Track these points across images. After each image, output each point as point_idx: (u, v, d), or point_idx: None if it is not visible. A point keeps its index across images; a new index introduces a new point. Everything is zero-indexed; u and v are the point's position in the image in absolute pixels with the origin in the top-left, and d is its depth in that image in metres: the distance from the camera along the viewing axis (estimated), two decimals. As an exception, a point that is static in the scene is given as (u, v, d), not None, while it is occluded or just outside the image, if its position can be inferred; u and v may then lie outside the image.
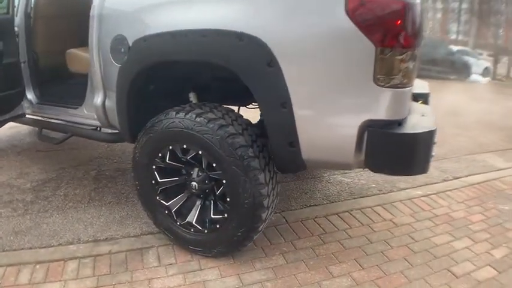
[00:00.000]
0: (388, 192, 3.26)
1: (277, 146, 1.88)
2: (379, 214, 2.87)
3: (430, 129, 1.77)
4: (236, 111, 2.17)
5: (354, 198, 3.11)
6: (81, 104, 2.67)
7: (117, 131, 2.64)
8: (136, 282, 2.04)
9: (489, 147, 4.75)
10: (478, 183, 3.53)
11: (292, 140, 1.81)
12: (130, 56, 2.10)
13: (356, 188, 3.31)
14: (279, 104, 1.76)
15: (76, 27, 3.22)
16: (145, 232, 2.52)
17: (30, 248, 2.33)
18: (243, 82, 2.15)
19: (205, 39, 1.82)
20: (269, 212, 2.04)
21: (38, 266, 2.16)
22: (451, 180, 3.59)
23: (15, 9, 2.88)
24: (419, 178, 3.54)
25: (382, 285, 2.10)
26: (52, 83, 3.21)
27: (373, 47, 1.60)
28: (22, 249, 2.33)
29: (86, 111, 2.66)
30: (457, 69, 13.16)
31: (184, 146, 2.02)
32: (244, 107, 2.83)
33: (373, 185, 3.39)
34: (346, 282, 2.10)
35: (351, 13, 1.60)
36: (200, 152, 1.98)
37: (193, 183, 2.12)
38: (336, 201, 3.04)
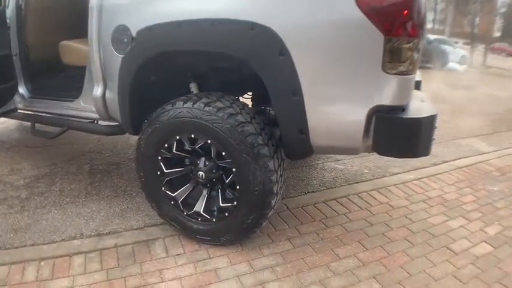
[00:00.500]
0: (381, 177, 3.36)
1: (287, 133, 1.91)
2: (375, 198, 2.96)
3: (433, 114, 1.85)
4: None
5: (350, 184, 3.19)
6: (77, 97, 2.62)
7: (116, 123, 2.62)
8: (147, 274, 2.04)
9: (473, 132, 4.94)
10: (466, 166, 3.68)
11: (302, 127, 1.85)
12: (134, 47, 2.08)
13: (350, 174, 3.39)
14: (290, 92, 1.79)
15: (69, 19, 3.15)
16: (149, 224, 2.51)
17: (33, 245, 2.28)
18: (243, 72, 2.18)
19: (215, 29, 1.83)
20: (277, 198, 2.08)
21: (43, 263, 2.12)
22: (440, 164, 3.72)
23: (7, 0, 2.79)
24: (410, 163, 3.67)
25: (387, 264, 2.18)
26: (44, 76, 3.12)
27: (381, 35, 1.65)
28: (24, 246, 2.27)
29: (83, 104, 2.61)
30: (435, 57, 13.49)
31: (192, 136, 2.02)
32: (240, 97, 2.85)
33: (366, 171, 3.48)
34: (352, 263, 2.18)
35: (361, 3, 1.64)
36: (209, 141, 1.99)
37: (200, 173, 2.13)
38: (332, 188, 3.11)
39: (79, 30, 2.96)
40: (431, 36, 16.70)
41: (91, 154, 3.74)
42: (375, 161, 3.70)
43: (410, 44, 1.69)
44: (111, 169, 3.40)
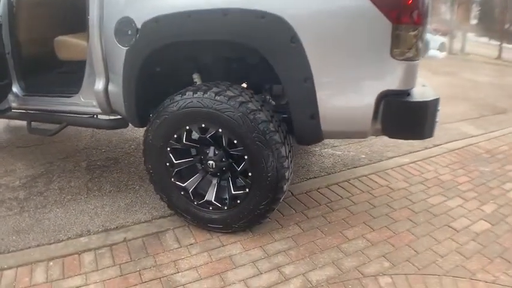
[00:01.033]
0: (378, 161, 3.45)
1: (298, 119, 1.95)
2: (375, 181, 3.04)
3: (437, 97, 1.93)
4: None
5: (349, 169, 3.26)
6: (76, 92, 2.59)
7: (118, 117, 2.60)
8: (161, 266, 2.05)
9: (459, 116, 5.09)
10: (457, 149, 3.81)
11: (314, 113, 1.89)
12: (139, 38, 2.06)
13: (348, 159, 3.46)
14: (301, 79, 1.84)
15: (62, 14, 3.08)
16: (156, 216, 2.51)
17: (38, 246, 2.22)
18: (247, 61, 2.20)
19: (226, 18, 1.84)
20: (288, 183, 2.12)
21: (51, 263, 2.06)
22: (431, 147, 3.83)
23: (-3, -3, 2.72)
24: (403, 147, 3.78)
25: (394, 243, 2.26)
26: (38, 73, 3.05)
27: (389, 23, 1.72)
28: (29, 247, 2.21)
29: (82, 99, 2.58)
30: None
31: (203, 125, 2.04)
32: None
33: (363, 156, 3.56)
34: (362, 243, 2.25)
35: None
36: (220, 130, 2.01)
37: (211, 162, 2.15)
38: (332, 173, 3.18)
39: (73, 25, 2.91)
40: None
41: (87, 150, 3.68)
42: (370, 146, 3.79)
43: (416, 32, 1.77)
44: (109, 164, 3.36)
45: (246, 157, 2.01)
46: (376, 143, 3.89)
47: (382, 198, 2.78)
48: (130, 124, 2.58)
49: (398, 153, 3.65)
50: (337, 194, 2.80)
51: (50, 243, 2.25)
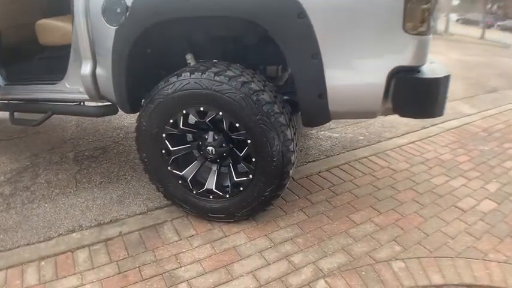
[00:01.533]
0: (377, 143, 3.37)
1: (305, 99, 1.83)
2: (376, 163, 2.96)
3: (448, 74, 1.84)
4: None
5: (348, 151, 3.18)
6: (61, 78, 2.40)
7: (107, 103, 2.44)
8: (162, 261, 1.92)
9: (453, 95, 5.03)
10: (454, 128, 3.76)
11: (321, 92, 1.77)
12: (130, 16, 1.89)
13: (346, 141, 3.37)
14: (309, 56, 1.71)
15: None
16: (152, 208, 2.38)
17: (28, 244, 2.08)
18: (242, 42, 2.06)
19: None
20: (294, 168, 2.01)
21: (43, 263, 1.93)
22: (429, 127, 3.77)
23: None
24: (401, 127, 3.72)
25: (403, 226, 2.19)
26: (20, 61, 2.85)
27: None
28: (18, 246, 2.06)
29: (68, 86, 2.39)
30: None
31: (202, 109, 1.90)
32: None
33: (361, 137, 3.48)
34: (370, 227, 2.17)
35: None
36: (220, 113, 1.87)
37: (210, 148, 2.02)
38: (332, 155, 3.09)
39: (54, 8, 2.71)
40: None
41: (73, 141, 3.50)
42: (367, 127, 3.72)
43: (429, 5, 1.67)
44: (97, 154, 3.20)
45: (249, 141, 1.88)
46: (373, 123, 3.81)
47: (385, 180, 2.70)
48: (120, 111, 2.43)
49: (396, 133, 3.58)
50: (339, 178, 2.71)
51: (40, 241, 2.10)
